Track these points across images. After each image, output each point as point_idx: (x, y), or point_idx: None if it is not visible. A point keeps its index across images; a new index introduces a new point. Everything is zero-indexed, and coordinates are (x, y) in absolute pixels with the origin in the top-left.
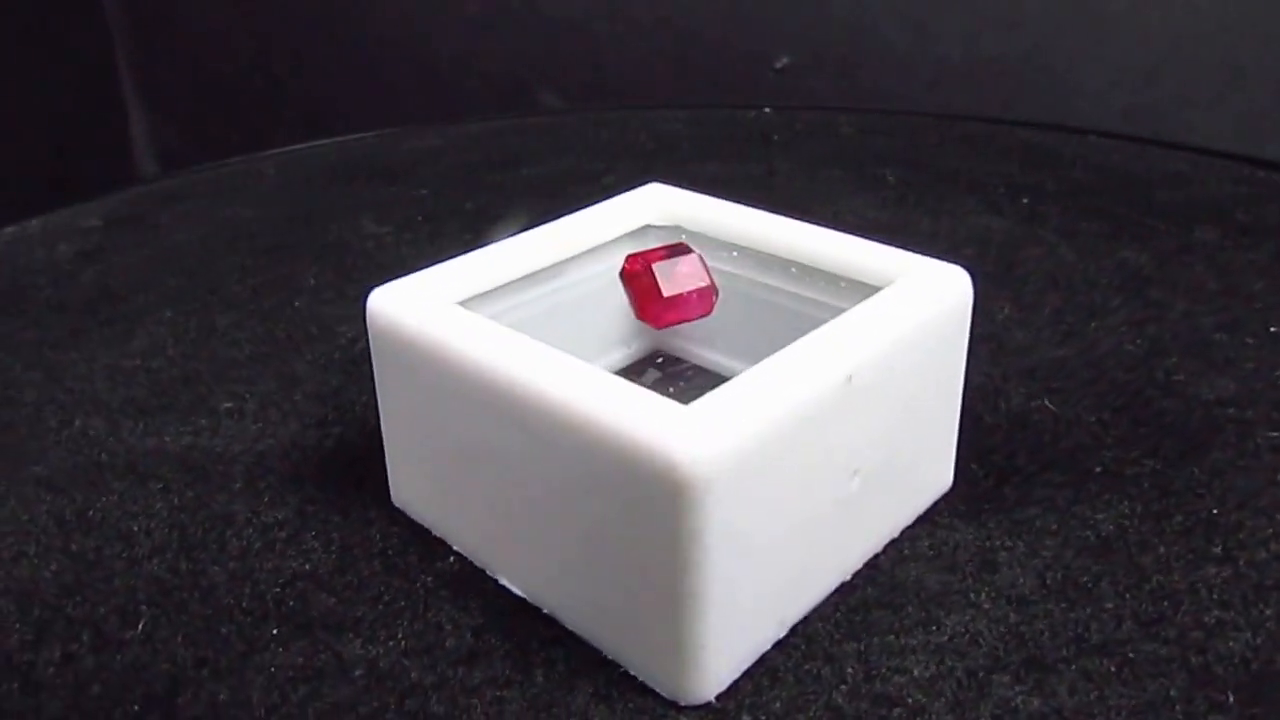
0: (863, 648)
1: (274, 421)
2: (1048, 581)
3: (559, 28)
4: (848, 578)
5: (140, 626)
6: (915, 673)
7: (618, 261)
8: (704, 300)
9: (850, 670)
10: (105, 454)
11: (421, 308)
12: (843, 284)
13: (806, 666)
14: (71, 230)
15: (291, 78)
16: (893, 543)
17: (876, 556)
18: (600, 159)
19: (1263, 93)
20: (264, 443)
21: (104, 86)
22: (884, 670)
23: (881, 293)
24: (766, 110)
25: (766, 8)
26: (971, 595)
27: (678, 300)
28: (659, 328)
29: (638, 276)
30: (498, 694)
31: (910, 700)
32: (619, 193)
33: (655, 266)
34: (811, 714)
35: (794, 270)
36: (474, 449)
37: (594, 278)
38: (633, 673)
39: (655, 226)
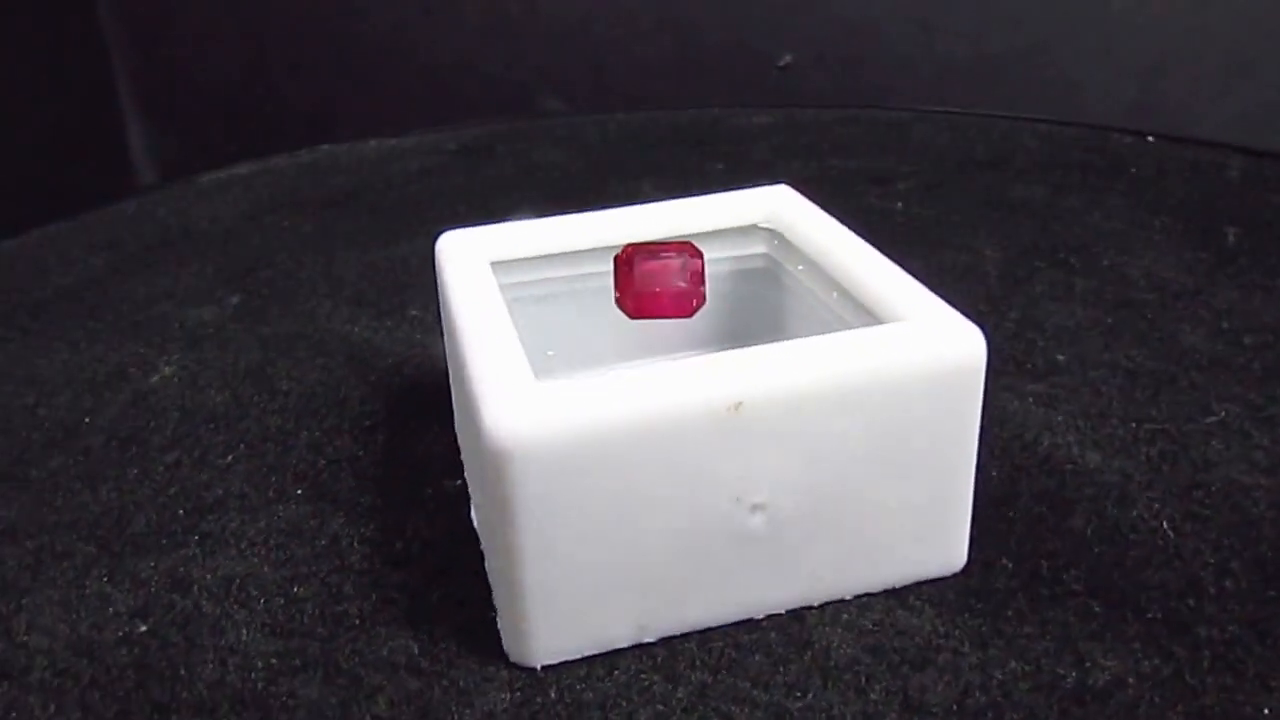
0: (709, 681)
1: None
2: (966, 707)
3: (560, 31)
4: (759, 617)
5: None
6: None
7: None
8: (680, 303)
9: (680, 697)
10: None
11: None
12: (858, 315)
13: (645, 676)
14: None
15: (290, 85)
16: (842, 603)
17: (815, 608)
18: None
19: (1270, 86)
20: None
21: (101, 96)
22: (710, 711)
23: (862, 332)
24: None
25: (768, 6)
26: (864, 683)
27: (647, 296)
28: (632, 318)
29: (621, 265)
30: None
31: None
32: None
33: (636, 259)
34: (615, 713)
35: (835, 296)
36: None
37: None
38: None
39: (760, 228)
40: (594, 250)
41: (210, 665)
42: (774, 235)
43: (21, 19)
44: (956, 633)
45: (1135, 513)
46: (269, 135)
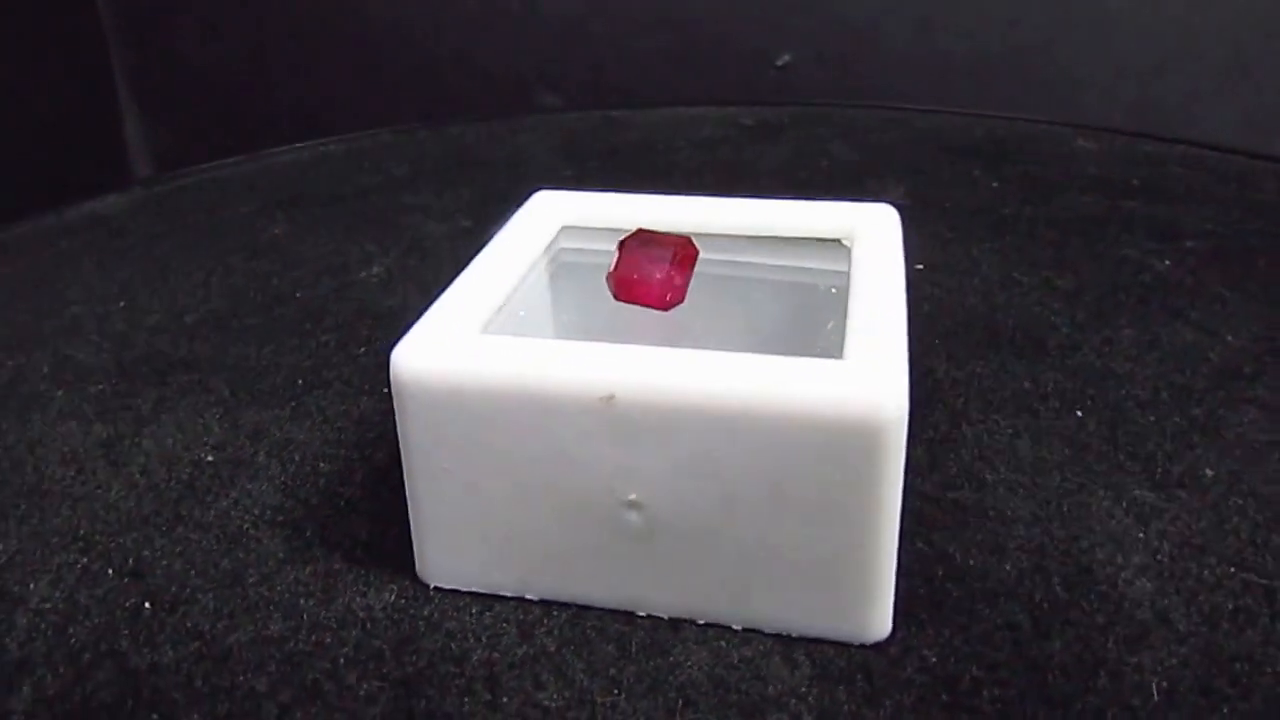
0: (551, 650)
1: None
2: None
3: (558, 27)
4: (639, 613)
5: None
6: (543, 699)
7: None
8: (657, 293)
9: (517, 653)
10: None
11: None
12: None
13: (505, 625)
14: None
15: (288, 79)
16: (726, 629)
17: (698, 624)
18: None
19: (1269, 88)
20: None
21: (99, 89)
22: (528, 675)
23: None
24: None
25: (767, 5)
26: (680, 708)
27: (626, 280)
28: (615, 299)
29: (618, 247)
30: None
31: (493, 698)
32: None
33: (628, 244)
34: (455, 644)
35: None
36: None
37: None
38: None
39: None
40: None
41: (224, 501)
42: (838, 254)
43: (20, 10)
44: (812, 701)
45: (1135, 660)
46: (266, 129)
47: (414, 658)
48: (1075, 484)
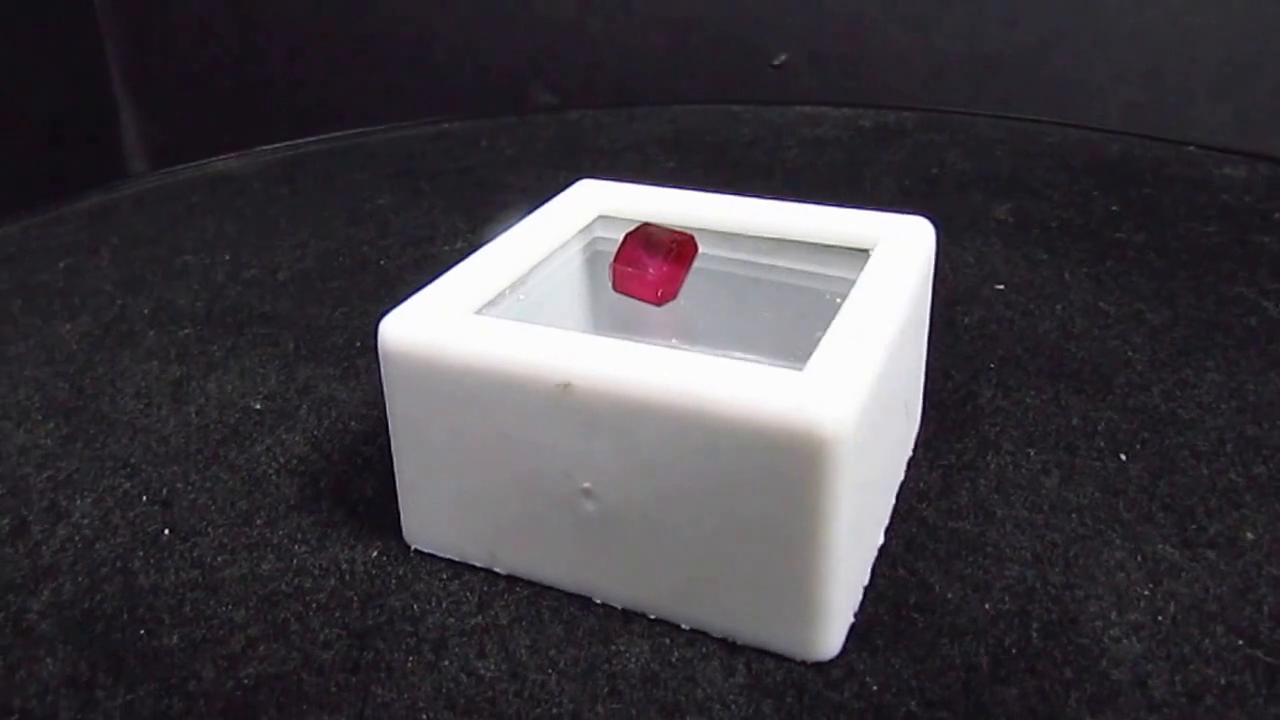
0: (502, 624)
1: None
2: None
3: (554, 24)
4: (596, 599)
5: None
6: (479, 668)
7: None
8: (648, 288)
9: (471, 623)
10: None
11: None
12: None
13: (467, 595)
14: None
15: (283, 75)
16: (674, 627)
17: (650, 618)
18: None
19: (1264, 90)
20: None
21: (94, 84)
22: (473, 644)
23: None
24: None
25: (764, 4)
26: (605, 695)
27: (622, 273)
28: (614, 290)
29: (622, 239)
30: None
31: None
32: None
33: (629, 238)
34: (418, 605)
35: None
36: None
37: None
38: None
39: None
40: (682, 228)
41: (258, 447)
42: (858, 263)
43: (17, 6)
44: (735, 710)
45: None
46: (261, 125)
47: (377, 612)
48: (1092, 530)
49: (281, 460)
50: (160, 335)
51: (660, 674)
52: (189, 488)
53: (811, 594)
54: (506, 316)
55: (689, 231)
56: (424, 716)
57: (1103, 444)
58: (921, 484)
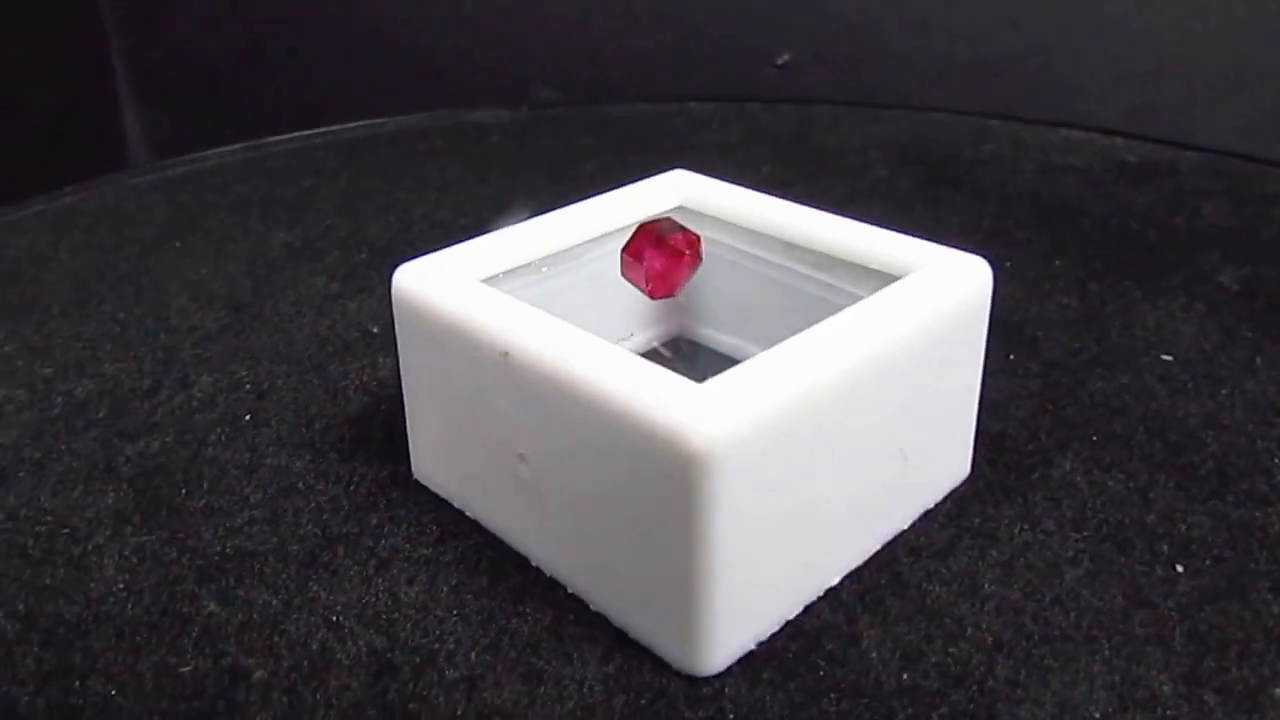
0: (432, 570)
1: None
2: None
3: (557, 22)
4: (532, 562)
5: None
6: (399, 593)
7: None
8: (645, 280)
9: (411, 558)
10: None
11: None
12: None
13: (424, 534)
14: None
15: (287, 71)
16: (583, 606)
17: (568, 591)
18: None
19: (1267, 94)
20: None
21: (98, 78)
22: (401, 579)
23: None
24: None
25: (767, 4)
26: (474, 668)
27: (626, 262)
28: (621, 275)
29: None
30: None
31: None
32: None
33: (643, 228)
34: (389, 536)
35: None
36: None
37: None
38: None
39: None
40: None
41: (355, 365)
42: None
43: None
44: (581, 696)
45: None
46: (264, 120)
47: (354, 524)
48: (1084, 635)
49: (362, 380)
50: (340, 258)
51: (544, 643)
52: (284, 386)
53: (689, 608)
54: (520, 285)
55: (745, 235)
56: (335, 618)
57: (1166, 548)
58: (923, 539)
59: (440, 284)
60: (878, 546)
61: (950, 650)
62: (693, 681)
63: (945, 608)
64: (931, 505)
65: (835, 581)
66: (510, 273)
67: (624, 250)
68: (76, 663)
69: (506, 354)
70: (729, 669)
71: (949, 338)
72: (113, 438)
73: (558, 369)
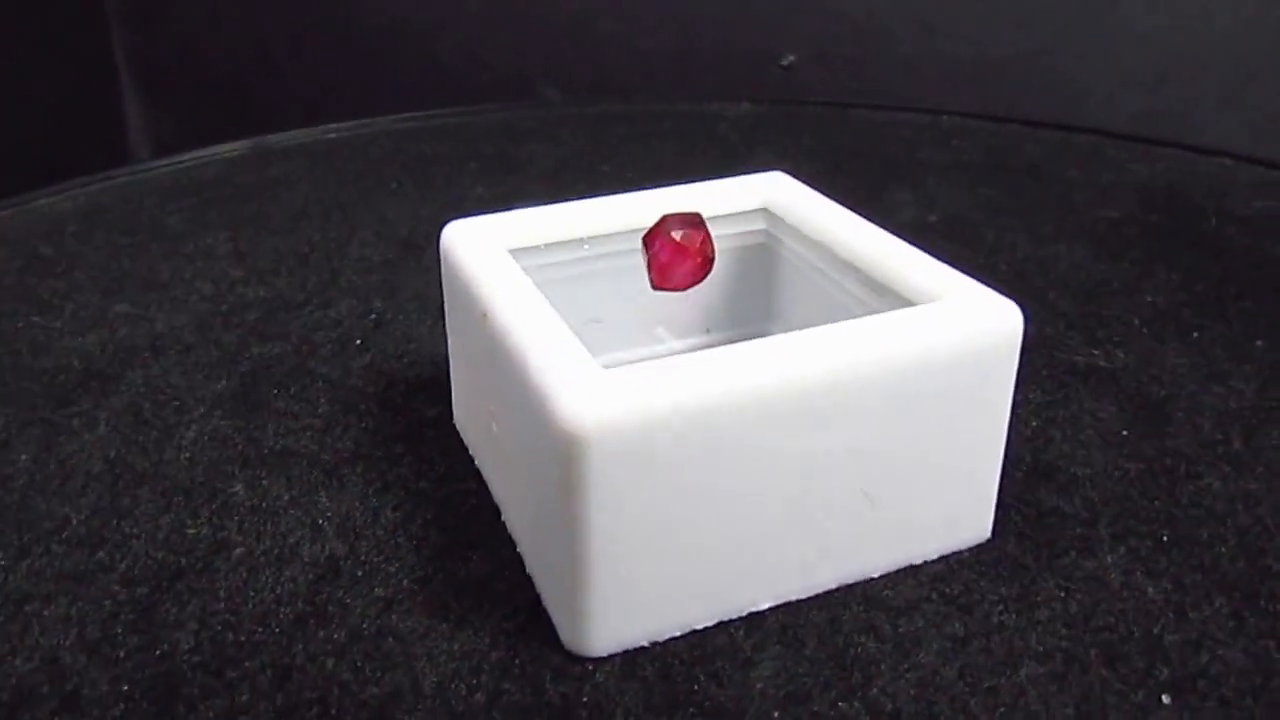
0: (412, 488)
1: None
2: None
3: (562, 23)
4: (500, 518)
5: None
6: (356, 511)
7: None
8: (650, 265)
9: (389, 483)
10: None
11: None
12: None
13: (431, 455)
14: None
15: (290, 69)
16: (520, 561)
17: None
18: None
19: (1273, 97)
20: None
21: (100, 74)
22: (369, 490)
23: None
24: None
25: (772, 5)
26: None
27: (643, 252)
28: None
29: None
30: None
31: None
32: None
33: (666, 218)
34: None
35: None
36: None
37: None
38: None
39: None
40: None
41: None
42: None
43: None
44: (471, 643)
45: None
46: (267, 117)
47: (376, 451)
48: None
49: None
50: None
51: (468, 589)
52: (404, 321)
53: (574, 587)
54: (556, 259)
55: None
56: (320, 521)
57: (1166, 674)
58: (888, 592)
59: (470, 246)
60: (831, 585)
61: (839, 705)
62: (571, 659)
63: (863, 664)
64: (919, 560)
65: (763, 606)
66: (552, 245)
67: (644, 236)
68: (121, 504)
69: (485, 315)
70: (612, 657)
71: (944, 376)
72: (250, 337)
73: (505, 337)
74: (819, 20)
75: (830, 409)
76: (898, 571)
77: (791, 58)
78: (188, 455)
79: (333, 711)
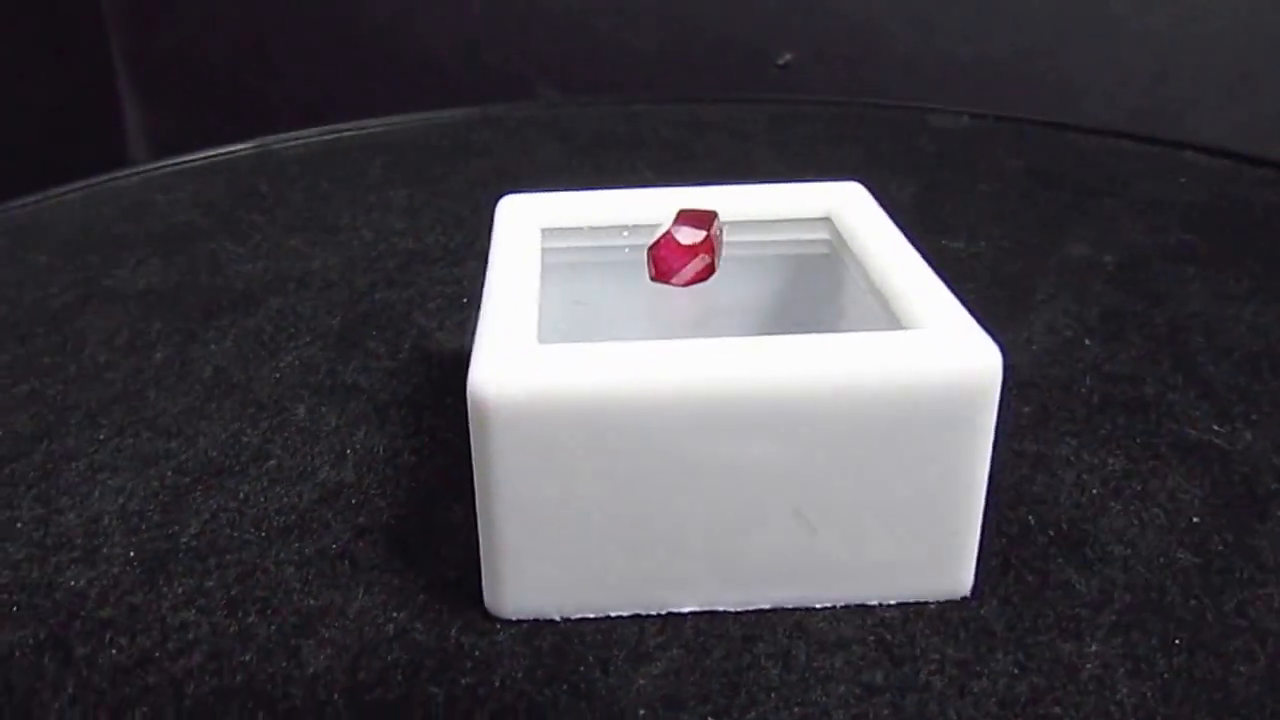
0: (404, 447)
1: None
2: None
3: (560, 21)
4: None
5: None
6: (338, 474)
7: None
8: (655, 264)
9: (391, 451)
10: None
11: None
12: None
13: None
14: None
15: (289, 68)
16: None
17: None
18: None
19: (1271, 96)
20: None
21: (98, 74)
22: (356, 440)
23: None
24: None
25: (769, 4)
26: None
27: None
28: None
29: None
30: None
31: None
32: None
33: (683, 213)
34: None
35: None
36: None
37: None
38: None
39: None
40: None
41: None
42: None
43: None
44: (389, 590)
45: None
46: (265, 117)
47: (382, 396)
48: None
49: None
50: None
51: (432, 535)
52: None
53: (486, 550)
54: (593, 241)
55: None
56: (329, 438)
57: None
58: (824, 624)
59: (512, 219)
60: (765, 605)
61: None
62: (485, 617)
63: (755, 689)
64: (874, 601)
65: (685, 609)
66: (595, 229)
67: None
68: (208, 407)
69: (484, 285)
70: (521, 623)
71: (898, 407)
72: (380, 282)
73: (484, 304)
74: (817, 19)
75: (761, 421)
76: (847, 608)
77: (789, 56)
78: (276, 376)
79: (269, 612)
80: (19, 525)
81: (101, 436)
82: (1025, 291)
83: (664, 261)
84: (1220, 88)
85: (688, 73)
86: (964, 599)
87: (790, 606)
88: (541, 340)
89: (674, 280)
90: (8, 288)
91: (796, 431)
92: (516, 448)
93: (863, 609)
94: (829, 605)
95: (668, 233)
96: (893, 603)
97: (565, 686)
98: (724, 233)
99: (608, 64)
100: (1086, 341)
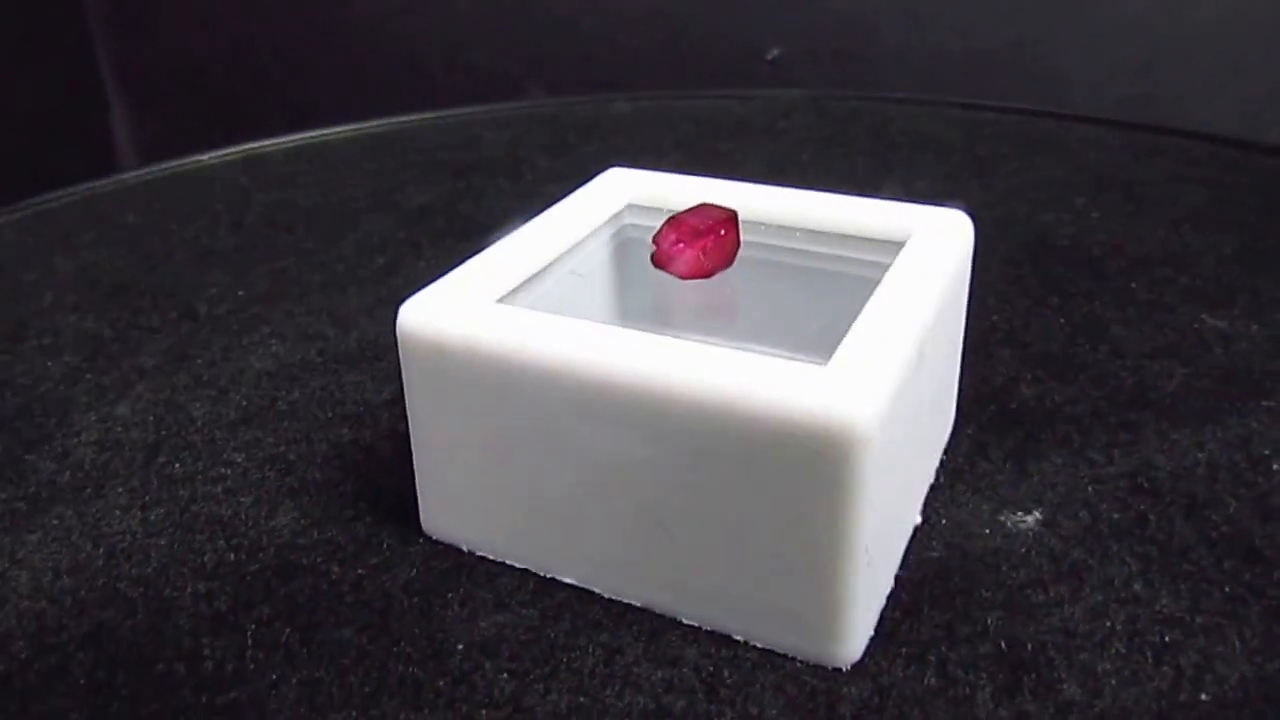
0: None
1: None
2: None
3: (547, 20)
4: None
5: None
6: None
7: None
8: (655, 246)
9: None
10: None
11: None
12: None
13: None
14: None
15: (276, 72)
16: None
17: None
18: None
19: (1259, 86)
20: None
21: (85, 81)
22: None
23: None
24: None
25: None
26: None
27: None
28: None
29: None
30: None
31: None
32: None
33: (705, 206)
34: None
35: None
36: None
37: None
38: None
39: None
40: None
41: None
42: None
43: (4, 2)
44: (331, 518)
45: None
46: (253, 122)
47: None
48: None
49: None
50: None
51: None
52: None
53: (413, 469)
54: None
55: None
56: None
57: None
58: (673, 638)
59: (608, 190)
60: (635, 602)
61: (551, 699)
62: (418, 534)
63: (560, 669)
64: (740, 637)
65: (564, 579)
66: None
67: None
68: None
69: None
70: (437, 544)
71: (751, 439)
72: (311, 286)
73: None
74: (805, 14)
75: (628, 416)
76: (712, 634)
77: (776, 51)
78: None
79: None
80: None
81: (213, 393)
82: None
83: (667, 252)
84: (1210, 77)
85: (676, 71)
86: (836, 670)
87: (659, 612)
88: (504, 297)
89: (670, 269)
90: None
91: (661, 434)
92: (428, 386)
93: (728, 641)
94: (696, 624)
95: (671, 220)
96: (759, 645)
97: (418, 601)
98: (746, 234)
99: (597, 62)
100: None
